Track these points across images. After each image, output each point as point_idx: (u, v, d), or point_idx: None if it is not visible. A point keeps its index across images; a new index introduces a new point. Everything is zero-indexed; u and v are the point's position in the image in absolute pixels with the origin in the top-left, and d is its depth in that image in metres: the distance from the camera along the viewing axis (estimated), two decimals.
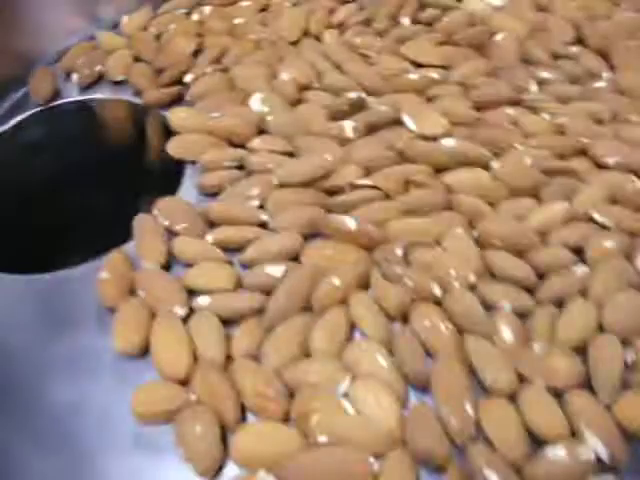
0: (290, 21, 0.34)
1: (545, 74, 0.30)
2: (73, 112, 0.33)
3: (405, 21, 0.34)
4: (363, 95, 0.29)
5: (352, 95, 0.29)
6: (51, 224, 0.36)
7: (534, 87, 0.30)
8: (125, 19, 0.36)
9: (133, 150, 0.33)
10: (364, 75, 0.30)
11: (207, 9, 0.36)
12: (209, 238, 0.25)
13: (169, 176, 0.30)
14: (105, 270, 0.25)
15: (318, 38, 0.34)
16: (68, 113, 0.33)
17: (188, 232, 0.26)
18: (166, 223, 0.26)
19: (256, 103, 0.30)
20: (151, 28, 0.36)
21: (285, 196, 0.26)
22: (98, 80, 0.33)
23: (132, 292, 0.24)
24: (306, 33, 0.34)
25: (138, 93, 0.33)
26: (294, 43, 0.33)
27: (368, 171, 0.27)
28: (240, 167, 0.28)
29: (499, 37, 0.32)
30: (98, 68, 0.33)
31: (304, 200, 0.26)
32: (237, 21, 0.35)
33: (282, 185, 0.26)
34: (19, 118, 0.33)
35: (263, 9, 0.36)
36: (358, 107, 0.29)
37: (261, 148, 0.28)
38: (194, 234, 0.26)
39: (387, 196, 0.26)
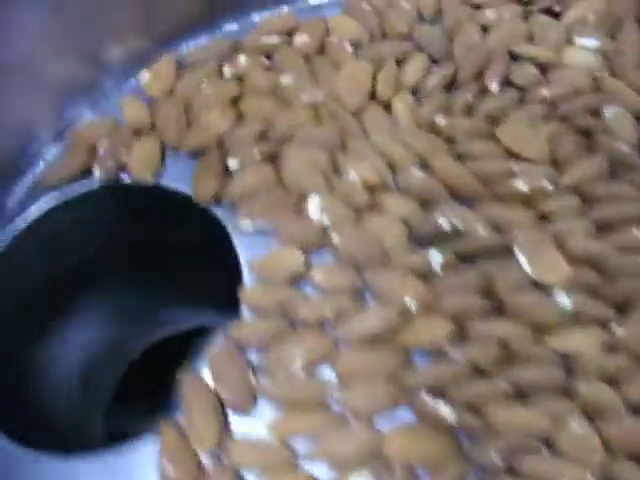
0: (352, 80, 0.27)
1: None
2: (105, 199, 0.28)
3: (494, 86, 0.27)
4: (459, 225, 0.23)
5: (444, 224, 0.23)
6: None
7: None
8: (146, 76, 0.29)
9: (180, 249, 0.29)
10: (454, 175, 0.24)
11: (243, 58, 0.29)
12: (272, 435, 0.21)
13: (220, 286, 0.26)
14: (164, 457, 0.21)
15: (387, 105, 0.27)
16: (98, 200, 0.28)
17: (240, 407, 0.22)
18: (222, 396, 0.22)
19: (314, 209, 0.24)
20: (178, 90, 0.29)
21: (352, 363, 0.22)
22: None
23: None
24: (372, 95, 0.27)
25: None
26: (357, 111, 0.27)
27: (459, 324, 0.22)
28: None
29: (610, 112, 0.26)
30: (124, 157, 0.27)
31: (377, 367, 0.22)
32: (284, 79, 0.28)
33: (345, 344, 0.22)
34: (40, 207, 0.28)
35: (316, 52, 0.29)
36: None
37: (323, 283, 0.23)
38: (247, 409, 0.22)
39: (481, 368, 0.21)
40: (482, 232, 0.23)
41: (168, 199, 0.27)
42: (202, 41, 0.31)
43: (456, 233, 0.23)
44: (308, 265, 0.24)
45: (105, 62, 0.30)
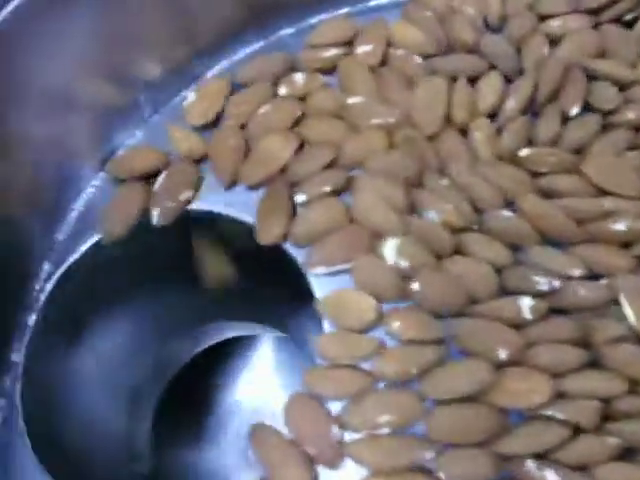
0: (426, 100, 0.25)
1: None
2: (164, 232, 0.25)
3: (574, 111, 0.25)
4: (556, 283, 0.22)
5: (543, 287, 0.22)
6: None
7: None
8: (194, 98, 0.27)
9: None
10: (545, 215, 0.23)
11: (300, 76, 0.27)
12: None
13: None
14: None
15: (462, 130, 0.25)
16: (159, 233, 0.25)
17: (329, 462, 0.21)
18: (309, 451, 0.21)
19: (390, 253, 0.23)
20: (231, 113, 0.26)
21: (444, 425, 0.20)
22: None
23: None
24: (448, 119, 0.25)
25: None
26: (433, 136, 0.25)
27: (554, 378, 0.21)
28: None
29: None
30: (185, 196, 0.25)
31: (471, 429, 0.20)
32: (351, 99, 0.26)
33: (432, 402, 0.21)
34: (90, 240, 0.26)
35: (380, 64, 0.27)
36: None
37: (402, 333, 0.22)
38: (337, 464, 0.21)
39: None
40: (583, 291, 0.22)
41: (231, 229, 0.25)
42: (254, 49, 0.29)
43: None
44: (384, 313, 0.23)
45: (146, 81, 0.27)
